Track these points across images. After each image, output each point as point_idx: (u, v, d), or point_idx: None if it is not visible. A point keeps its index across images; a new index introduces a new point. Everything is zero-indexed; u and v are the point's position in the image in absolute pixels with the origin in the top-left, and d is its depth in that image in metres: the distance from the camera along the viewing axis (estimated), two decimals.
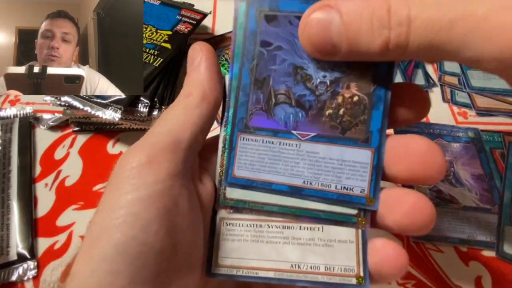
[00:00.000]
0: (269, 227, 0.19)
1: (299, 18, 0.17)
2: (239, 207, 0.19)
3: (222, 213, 0.19)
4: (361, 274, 0.18)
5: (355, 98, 0.18)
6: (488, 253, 0.33)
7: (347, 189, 0.18)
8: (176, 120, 0.19)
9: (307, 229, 0.19)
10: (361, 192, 0.18)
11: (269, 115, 0.19)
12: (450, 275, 0.32)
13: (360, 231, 0.18)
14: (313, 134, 0.18)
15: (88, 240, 0.16)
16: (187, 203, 0.18)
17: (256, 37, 0.18)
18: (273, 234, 0.19)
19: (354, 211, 0.18)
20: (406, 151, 0.18)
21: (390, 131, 0.40)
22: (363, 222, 0.18)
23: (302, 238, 0.19)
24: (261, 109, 0.19)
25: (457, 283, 0.31)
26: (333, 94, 0.18)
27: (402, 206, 0.18)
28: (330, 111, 0.18)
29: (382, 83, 0.18)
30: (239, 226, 0.19)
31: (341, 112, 0.18)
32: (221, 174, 0.19)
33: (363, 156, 0.18)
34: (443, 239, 0.33)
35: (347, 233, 0.19)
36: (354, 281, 0.18)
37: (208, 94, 0.19)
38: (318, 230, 0.19)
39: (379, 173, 0.18)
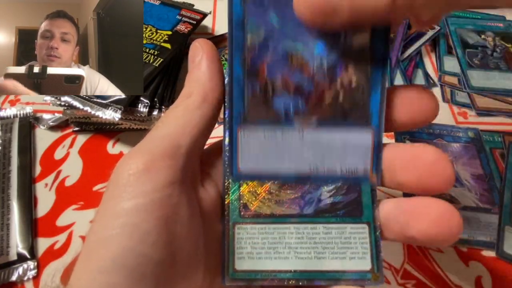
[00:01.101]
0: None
1: None
2: (251, 278, 0.18)
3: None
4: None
5: (354, 84, 0.18)
6: (488, 253, 0.33)
7: (351, 171, 0.18)
8: (175, 123, 0.18)
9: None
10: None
11: (268, 107, 0.18)
12: (450, 275, 0.32)
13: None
14: (315, 121, 0.18)
15: (86, 251, 0.16)
16: (187, 211, 0.17)
17: (243, 25, 0.18)
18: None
19: (368, 267, 0.18)
20: (415, 160, 0.18)
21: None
22: (378, 276, 0.18)
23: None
24: (259, 102, 0.18)
25: (457, 283, 0.31)
26: (331, 80, 0.18)
27: (429, 215, 0.17)
28: (330, 97, 0.18)
29: (378, 66, 0.18)
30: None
31: (340, 98, 0.18)
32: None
33: (361, 231, 0.18)
34: None
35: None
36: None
37: (209, 94, 0.19)
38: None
39: (379, 246, 0.18)
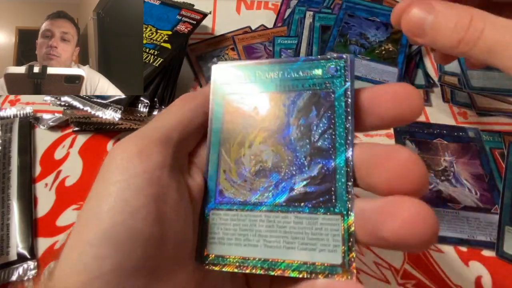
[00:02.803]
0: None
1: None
2: (221, 264, 0.19)
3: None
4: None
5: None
6: (488, 253, 0.33)
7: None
8: (170, 118, 0.20)
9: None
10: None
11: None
12: (450, 275, 0.32)
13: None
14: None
15: (77, 226, 0.16)
16: (176, 195, 0.18)
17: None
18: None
19: (338, 262, 0.17)
20: (386, 162, 0.17)
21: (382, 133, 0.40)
22: (348, 272, 0.17)
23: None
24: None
25: (457, 283, 0.31)
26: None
27: (401, 214, 0.16)
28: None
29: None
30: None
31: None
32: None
33: (334, 222, 0.18)
34: (443, 239, 0.33)
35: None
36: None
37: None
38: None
39: (352, 240, 0.17)
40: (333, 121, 0.19)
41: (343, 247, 0.17)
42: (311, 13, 0.49)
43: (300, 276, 0.18)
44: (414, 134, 0.39)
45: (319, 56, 0.20)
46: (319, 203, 0.18)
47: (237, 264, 0.18)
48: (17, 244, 0.33)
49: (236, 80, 0.21)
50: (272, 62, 0.20)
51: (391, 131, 0.40)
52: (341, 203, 0.18)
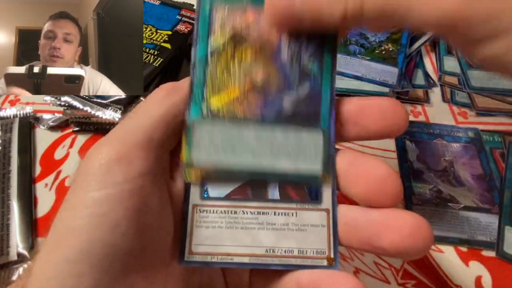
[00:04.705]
0: (244, 213, 0.19)
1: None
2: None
3: (195, 200, 0.19)
4: (332, 256, 0.19)
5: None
6: (488, 253, 0.33)
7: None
8: (151, 113, 0.18)
9: (282, 215, 0.19)
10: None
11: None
12: (450, 275, 0.32)
13: (331, 215, 0.19)
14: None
15: (52, 239, 0.15)
16: (158, 203, 0.17)
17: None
18: (248, 220, 0.19)
19: (319, 168, 0.19)
20: (366, 174, 0.18)
21: None
22: (327, 177, 0.19)
23: (277, 224, 0.19)
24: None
25: (457, 283, 0.31)
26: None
27: (403, 228, 0.17)
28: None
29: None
30: (213, 213, 0.19)
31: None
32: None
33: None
34: (443, 239, 0.33)
35: (319, 218, 0.19)
36: (325, 262, 0.19)
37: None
38: (292, 215, 0.19)
39: (331, 150, 0.19)
40: (319, 48, 0.20)
41: (324, 156, 0.19)
42: None
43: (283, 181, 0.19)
44: (414, 134, 0.40)
45: None
46: (305, 120, 0.20)
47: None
48: (17, 244, 0.33)
49: None
50: None
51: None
52: (324, 121, 0.20)
